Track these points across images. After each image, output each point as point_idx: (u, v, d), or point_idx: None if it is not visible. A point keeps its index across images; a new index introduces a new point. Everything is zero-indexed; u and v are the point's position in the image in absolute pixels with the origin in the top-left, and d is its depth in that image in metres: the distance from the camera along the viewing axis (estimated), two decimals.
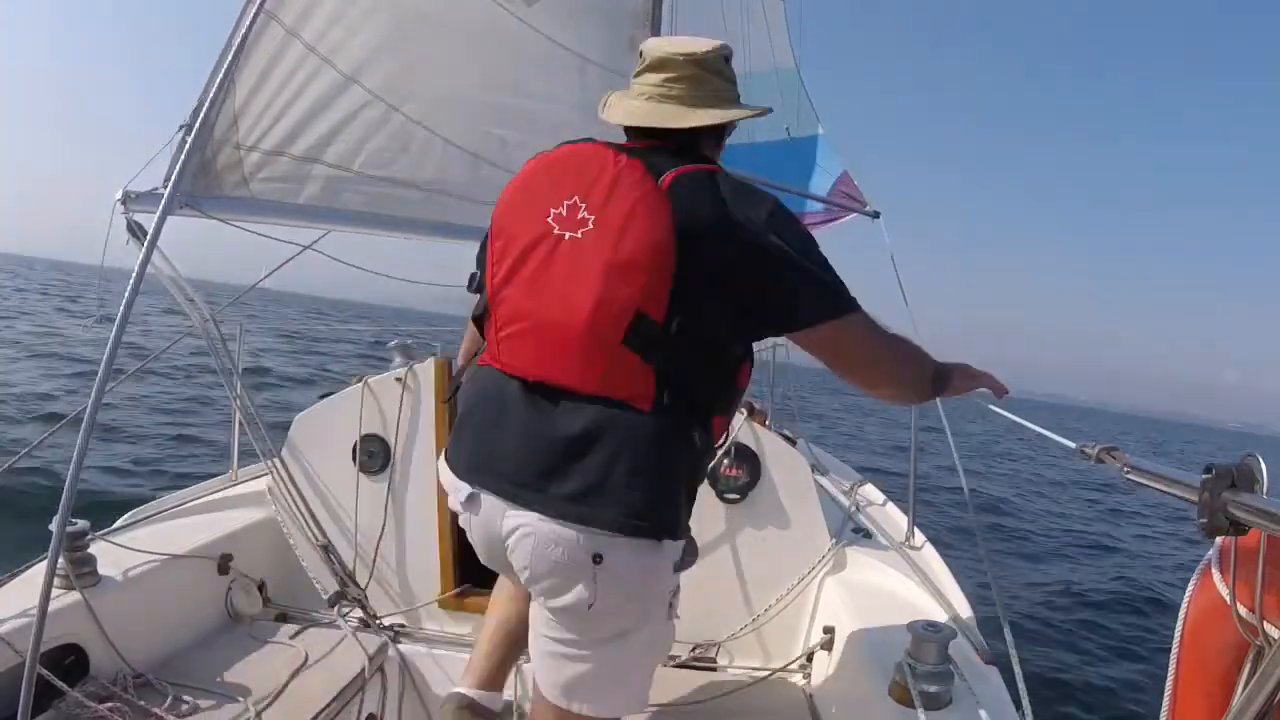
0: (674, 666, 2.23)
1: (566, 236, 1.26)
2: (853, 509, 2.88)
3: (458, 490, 1.37)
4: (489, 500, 1.32)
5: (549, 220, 1.29)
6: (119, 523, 2.37)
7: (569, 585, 1.27)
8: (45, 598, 1.39)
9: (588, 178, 1.28)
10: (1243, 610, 0.91)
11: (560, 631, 1.34)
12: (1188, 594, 1.02)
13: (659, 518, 1.26)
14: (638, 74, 1.42)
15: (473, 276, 1.57)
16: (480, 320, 1.45)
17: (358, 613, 2.31)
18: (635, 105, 1.39)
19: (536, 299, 1.28)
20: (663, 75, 1.37)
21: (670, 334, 1.22)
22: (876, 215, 5.64)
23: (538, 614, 1.38)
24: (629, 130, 1.42)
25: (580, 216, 1.26)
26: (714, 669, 2.25)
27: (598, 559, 1.24)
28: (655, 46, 1.40)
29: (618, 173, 1.26)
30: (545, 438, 1.26)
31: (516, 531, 1.28)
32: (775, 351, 4.43)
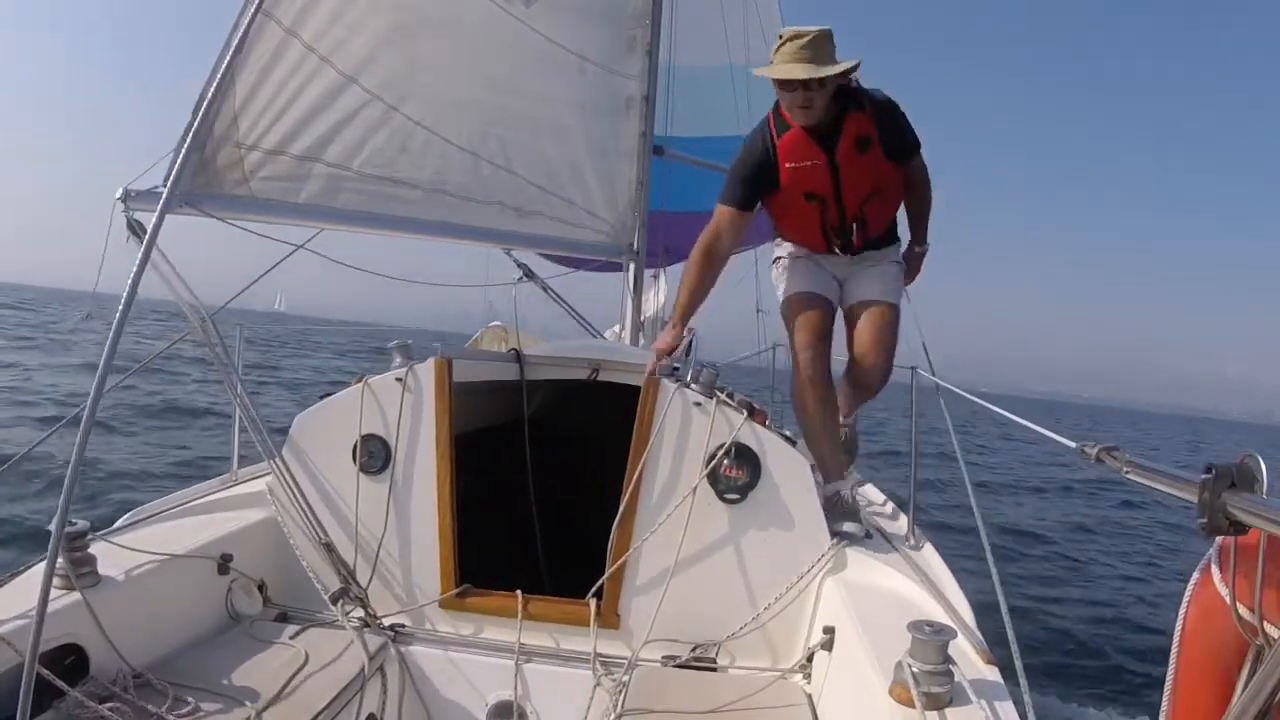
0: (674, 666, 2.23)
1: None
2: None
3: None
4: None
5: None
6: (119, 523, 2.36)
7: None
8: (44, 598, 1.39)
9: None
10: (1243, 610, 0.91)
11: None
12: (1187, 593, 1.01)
13: None
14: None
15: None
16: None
17: (358, 612, 2.30)
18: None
19: None
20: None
21: None
22: None
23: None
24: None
25: None
26: (714, 669, 2.24)
27: None
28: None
29: None
30: None
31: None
32: (775, 352, 4.42)
